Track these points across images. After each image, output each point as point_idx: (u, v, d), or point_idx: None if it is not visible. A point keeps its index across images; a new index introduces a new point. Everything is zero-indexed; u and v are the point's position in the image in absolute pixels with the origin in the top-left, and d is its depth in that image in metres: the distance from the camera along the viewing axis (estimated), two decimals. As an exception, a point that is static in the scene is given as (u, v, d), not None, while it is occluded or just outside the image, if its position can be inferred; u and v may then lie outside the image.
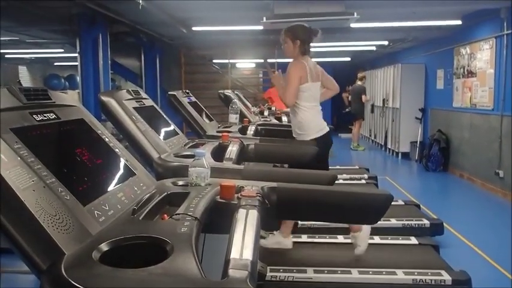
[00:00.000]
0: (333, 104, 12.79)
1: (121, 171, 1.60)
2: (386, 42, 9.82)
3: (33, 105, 1.38)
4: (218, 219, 1.47)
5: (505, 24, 6.14)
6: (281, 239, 3.34)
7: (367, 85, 12.72)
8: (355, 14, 5.37)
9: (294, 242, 3.48)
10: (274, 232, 3.34)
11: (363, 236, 3.24)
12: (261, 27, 6.57)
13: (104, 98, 2.35)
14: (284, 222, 3.28)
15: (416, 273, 3.03)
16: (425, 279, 2.98)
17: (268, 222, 1.46)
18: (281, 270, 3.06)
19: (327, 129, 3.34)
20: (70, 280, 0.96)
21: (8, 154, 1.13)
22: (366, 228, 3.25)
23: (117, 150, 1.68)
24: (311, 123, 3.27)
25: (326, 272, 3.08)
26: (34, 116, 1.35)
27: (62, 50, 10.46)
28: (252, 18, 6.39)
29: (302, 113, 3.25)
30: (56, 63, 14.93)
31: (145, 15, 6.35)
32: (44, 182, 1.16)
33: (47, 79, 15.16)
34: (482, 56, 6.85)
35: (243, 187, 1.63)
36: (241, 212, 1.35)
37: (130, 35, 8.37)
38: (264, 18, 5.65)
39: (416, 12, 6.31)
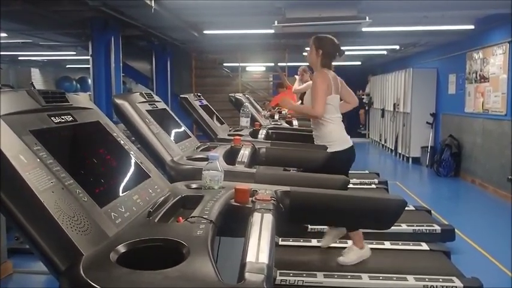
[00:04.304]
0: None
1: (136, 173, 1.61)
2: (397, 47, 9.78)
3: (51, 107, 1.39)
4: (232, 222, 1.47)
5: (518, 29, 6.10)
6: (360, 253, 3.22)
7: (377, 89, 12.70)
8: (367, 18, 5.36)
9: (304, 246, 3.48)
10: (348, 247, 3.26)
11: (359, 255, 3.19)
12: (272, 31, 6.58)
13: (118, 101, 2.37)
14: (355, 236, 3.20)
15: (427, 279, 3.01)
16: (436, 286, 2.97)
17: (281, 226, 1.46)
18: (291, 274, 3.06)
19: (351, 142, 3.27)
20: (89, 281, 0.97)
21: (28, 156, 1.14)
22: (366, 252, 3.22)
23: (132, 152, 1.69)
24: (336, 135, 3.21)
25: (336, 276, 3.08)
26: (52, 118, 1.36)
27: (75, 53, 10.57)
28: (263, 22, 6.41)
29: (327, 125, 3.19)
30: (68, 66, 15.09)
31: (158, 19, 6.40)
32: (62, 183, 1.17)
33: (58, 81, 15.33)
34: (495, 61, 6.80)
35: (256, 191, 1.64)
36: (256, 216, 1.35)
37: (142, 38, 8.44)
38: (276, 22, 5.66)
39: (429, 17, 6.28)
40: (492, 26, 6.65)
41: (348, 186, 2.17)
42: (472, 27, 6.76)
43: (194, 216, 1.33)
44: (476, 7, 5.79)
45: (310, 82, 6.30)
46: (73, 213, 1.12)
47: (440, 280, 3.00)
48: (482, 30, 6.91)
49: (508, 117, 6.39)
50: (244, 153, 2.64)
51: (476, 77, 7.43)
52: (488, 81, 6.99)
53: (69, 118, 1.45)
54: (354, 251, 3.21)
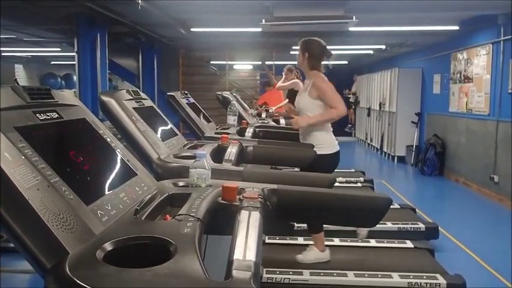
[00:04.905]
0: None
1: (123, 171, 1.60)
2: (384, 47, 9.86)
3: (37, 104, 1.37)
4: (219, 220, 1.47)
5: (502, 30, 6.20)
6: (319, 254, 3.24)
7: (363, 89, 12.79)
8: (354, 18, 5.39)
9: (290, 244, 3.49)
10: (310, 246, 3.27)
11: (318, 256, 3.22)
12: (259, 30, 6.58)
13: (104, 98, 2.35)
14: (316, 238, 3.20)
15: (411, 277, 3.05)
16: (420, 283, 3.00)
17: (268, 224, 1.46)
18: (277, 272, 3.07)
19: (338, 147, 3.30)
20: (75, 279, 0.96)
21: (13, 153, 1.13)
22: (325, 255, 3.23)
23: (118, 150, 1.68)
24: (326, 139, 3.24)
25: (322, 274, 3.09)
26: (37, 115, 1.35)
27: (59, 49, 10.43)
28: (251, 21, 6.40)
29: (322, 127, 3.22)
30: (52, 62, 14.87)
31: (145, 16, 6.35)
32: (48, 181, 1.16)
33: (43, 78, 15.10)
34: (479, 61, 6.90)
35: (243, 189, 1.64)
36: (244, 214, 1.36)
37: (129, 35, 8.35)
38: (263, 21, 5.66)
39: (415, 18, 6.35)
40: (476, 27, 6.76)
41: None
42: (456, 28, 6.85)
43: (181, 214, 1.33)
44: (461, 8, 5.86)
45: (296, 80, 6.36)
46: (59, 211, 1.11)
47: (424, 277, 3.04)
48: (467, 32, 7.01)
49: (491, 117, 6.49)
50: (232, 151, 2.64)
51: (460, 77, 7.53)
52: (472, 81, 7.10)
53: (55, 115, 1.43)
54: (313, 252, 3.22)
